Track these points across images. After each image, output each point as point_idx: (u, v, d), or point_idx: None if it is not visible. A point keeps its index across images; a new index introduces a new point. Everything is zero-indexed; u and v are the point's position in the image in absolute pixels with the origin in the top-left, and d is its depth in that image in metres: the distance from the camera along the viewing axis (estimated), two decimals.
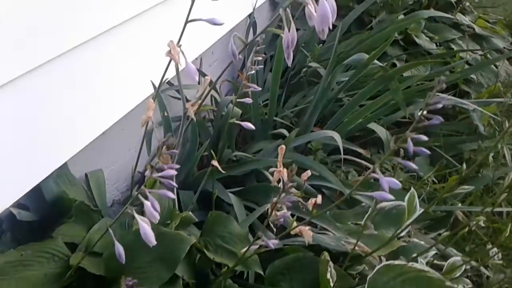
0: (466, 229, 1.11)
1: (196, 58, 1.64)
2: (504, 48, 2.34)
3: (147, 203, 0.64)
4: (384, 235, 1.12)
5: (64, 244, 0.89)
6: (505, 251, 1.31)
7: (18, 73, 0.79)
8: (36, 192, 0.96)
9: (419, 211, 1.09)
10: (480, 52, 2.24)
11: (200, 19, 0.76)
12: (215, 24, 0.76)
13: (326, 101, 1.63)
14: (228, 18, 1.79)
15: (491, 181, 1.29)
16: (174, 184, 0.65)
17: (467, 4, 2.50)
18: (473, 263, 1.13)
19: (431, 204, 0.98)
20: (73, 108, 1.01)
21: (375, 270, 0.95)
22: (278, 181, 1.11)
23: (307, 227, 0.96)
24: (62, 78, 0.95)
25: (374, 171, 0.73)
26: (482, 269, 1.22)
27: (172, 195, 0.63)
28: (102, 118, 1.11)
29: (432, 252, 1.12)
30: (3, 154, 0.84)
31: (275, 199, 0.95)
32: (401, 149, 0.76)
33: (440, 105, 0.66)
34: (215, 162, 0.90)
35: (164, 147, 0.61)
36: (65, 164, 1.04)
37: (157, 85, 1.08)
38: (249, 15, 1.99)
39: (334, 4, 0.60)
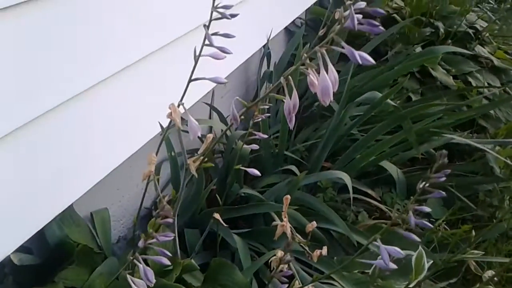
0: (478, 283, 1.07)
1: (209, 92, 1.64)
2: None
3: (140, 267, 0.63)
4: (393, 287, 1.09)
5: None
6: None
7: (20, 122, 0.80)
8: (40, 235, 0.96)
9: (428, 263, 1.06)
10: (498, 84, 2.20)
11: (204, 78, 0.76)
12: (218, 83, 0.76)
13: (337, 137, 1.61)
14: (242, 50, 1.80)
15: (503, 230, 1.25)
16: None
17: (486, 34, 2.46)
18: None
19: (443, 260, 0.95)
20: (79, 150, 1.01)
21: None
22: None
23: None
24: (68, 122, 0.95)
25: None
26: None
27: (167, 262, 0.62)
28: (109, 158, 1.12)
29: None
30: (4, 200, 0.84)
31: (280, 252, 0.94)
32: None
33: (443, 179, 0.64)
34: (217, 216, 0.89)
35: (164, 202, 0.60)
36: (71, 205, 1.05)
37: (165, 125, 1.09)
38: (264, 46, 2.00)
39: (336, 74, 0.59)
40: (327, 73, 0.58)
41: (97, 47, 0.93)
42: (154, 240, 0.72)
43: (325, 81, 0.56)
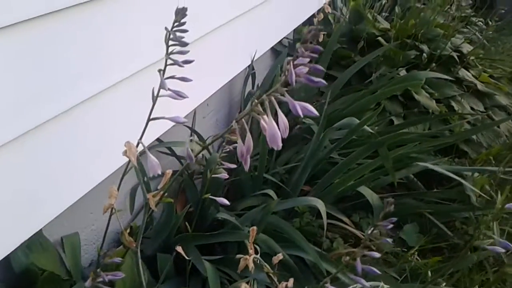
0: None
1: (190, 112, 1.65)
2: (508, 105, 2.31)
3: None
4: None
5: None
6: None
7: None
8: (5, 262, 0.96)
9: None
10: (481, 109, 2.22)
11: (163, 117, 0.76)
12: (177, 122, 0.76)
13: (317, 161, 1.62)
14: (226, 71, 1.82)
15: (474, 262, 1.25)
16: None
17: (471, 58, 2.48)
18: None
19: None
20: (49, 175, 1.01)
21: None
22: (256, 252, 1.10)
23: None
24: (38, 145, 0.96)
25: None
26: None
27: None
28: (81, 183, 1.12)
29: None
30: None
31: (244, 284, 0.94)
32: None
33: (390, 226, 0.65)
34: (179, 249, 0.89)
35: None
36: (40, 229, 1.04)
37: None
38: (249, 66, 2.01)
39: (286, 121, 0.59)
40: (277, 119, 0.59)
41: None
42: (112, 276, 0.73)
43: (272, 130, 0.57)
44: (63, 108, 0.97)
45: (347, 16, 2.52)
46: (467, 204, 1.52)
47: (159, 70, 0.72)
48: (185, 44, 0.71)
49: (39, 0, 0.81)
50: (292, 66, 0.51)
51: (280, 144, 0.59)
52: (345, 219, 1.43)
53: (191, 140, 1.68)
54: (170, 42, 0.72)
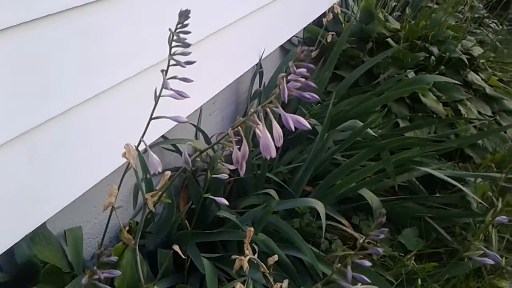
0: None
1: (196, 110, 1.66)
2: None
3: None
4: None
5: None
6: None
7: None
8: (9, 253, 0.99)
9: None
10: (489, 113, 2.20)
11: (165, 117, 0.78)
12: (178, 121, 0.78)
13: (320, 162, 1.63)
14: (233, 69, 1.83)
15: (470, 268, 1.25)
16: None
17: (482, 61, 2.46)
18: None
19: None
20: (54, 169, 1.04)
21: None
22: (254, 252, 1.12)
23: None
24: (45, 139, 0.98)
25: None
26: None
27: None
28: (85, 177, 1.14)
29: None
30: None
31: (239, 285, 0.96)
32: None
33: (381, 236, 0.66)
34: (176, 248, 0.91)
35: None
36: (44, 222, 1.07)
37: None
38: (257, 64, 2.02)
39: (280, 131, 0.60)
40: (272, 130, 0.60)
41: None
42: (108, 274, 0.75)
43: (266, 139, 0.58)
44: (68, 105, 0.99)
45: (358, 15, 2.51)
46: (468, 210, 1.53)
47: (162, 70, 0.74)
48: (187, 45, 0.73)
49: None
50: (284, 82, 0.53)
51: (274, 154, 0.60)
52: (344, 221, 1.44)
53: (196, 138, 1.70)
54: (173, 44, 0.73)
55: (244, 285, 1.02)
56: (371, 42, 2.24)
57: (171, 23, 0.81)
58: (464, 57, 2.31)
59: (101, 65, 1.03)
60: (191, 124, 1.61)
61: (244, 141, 0.67)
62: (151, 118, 0.82)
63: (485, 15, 3.22)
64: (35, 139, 0.95)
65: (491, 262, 0.80)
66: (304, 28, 2.49)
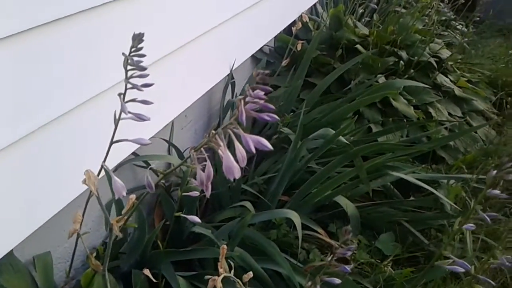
0: None
1: (167, 124, 1.64)
2: (485, 110, 2.34)
3: None
4: None
5: None
6: None
7: None
8: None
9: None
10: (459, 114, 2.25)
11: (126, 140, 0.76)
12: (141, 144, 0.76)
13: (294, 171, 1.63)
14: (204, 81, 1.82)
15: (446, 272, 1.27)
16: None
17: (450, 63, 2.51)
18: None
19: None
20: (18, 195, 1.00)
21: None
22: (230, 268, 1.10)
23: None
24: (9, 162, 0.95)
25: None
26: None
27: None
28: (51, 202, 1.11)
29: None
30: None
31: None
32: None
33: (349, 253, 0.66)
34: (146, 272, 0.89)
35: None
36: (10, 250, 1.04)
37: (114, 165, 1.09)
38: (228, 75, 2.01)
39: (243, 152, 0.59)
40: (234, 151, 0.59)
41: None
42: None
43: (227, 162, 0.57)
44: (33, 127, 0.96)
45: (327, 23, 2.54)
46: (442, 212, 1.54)
47: (119, 94, 0.72)
48: (143, 69, 0.71)
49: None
50: (242, 104, 0.52)
51: (237, 175, 0.59)
52: (320, 230, 1.44)
53: (169, 153, 1.68)
54: (129, 67, 0.72)
55: None
56: (341, 48, 2.26)
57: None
58: (432, 60, 2.35)
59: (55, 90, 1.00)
60: (163, 139, 1.59)
61: (208, 162, 0.66)
62: (111, 143, 0.80)
63: (452, 17, 3.30)
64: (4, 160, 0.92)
65: (461, 269, 0.81)
66: (275, 37, 2.50)
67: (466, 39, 2.87)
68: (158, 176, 1.60)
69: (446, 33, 3.20)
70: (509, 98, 2.62)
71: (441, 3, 3.15)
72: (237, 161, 0.59)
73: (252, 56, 2.30)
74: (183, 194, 1.03)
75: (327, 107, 1.86)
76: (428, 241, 1.55)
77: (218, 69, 1.92)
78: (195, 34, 1.57)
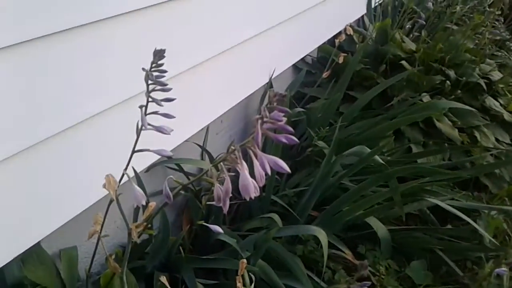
0: None
1: (202, 129, 1.65)
2: None
3: None
4: None
5: None
6: None
7: None
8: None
9: None
10: (507, 140, 2.13)
11: (148, 150, 0.76)
12: (162, 155, 0.76)
13: (326, 186, 1.59)
14: (243, 87, 1.81)
15: None
16: None
17: (501, 86, 2.39)
18: None
19: None
20: (52, 188, 1.03)
21: None
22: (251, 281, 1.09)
23: None
24: (44, 157, 0.97)
25: None
26: None
27: None
28: (84, 196, 1.13)
29: None
30: None
31: None
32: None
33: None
34: (163, 279, 0.88)
35: None
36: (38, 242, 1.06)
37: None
38: (267, 83, 2.00)
39: (261, 171, 0.57)
40: (253, 169, 0.57)
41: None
42: None
43: (244, 181, 0.55)
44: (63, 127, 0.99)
45: (374, 36, 2.48)
46: (481, 244, 1.46)
47: (140, 107, 0.72)
48: (164, 85, 0.71)
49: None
50: (259, 125, 0.50)
51: (253, 194, 0.58)
52: (347, 251, 1.39)
53: (202, 158, 1.68)
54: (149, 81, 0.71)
55: None
56: (385, 63, 2.19)
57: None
58: (482, 82, 2.24)
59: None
60: (196, 144, 1.60)
61: (227, 177, 0.64)
62: (133, 152, 0.80)
63: (507, 37, 3.14)
64: (33, 156, 0.94)
65: None
66: (318, 47, 2.47)
67: None
68: (189, 179, 1.61)
69: (499, 53, 3.05)
70: None
71: (496, 22, 3.01)
72: (255, 179, 0.57)
73: (293, 65, 2.27)
74: (207, 203, 1.02)
75: (366, 123, 1.80)
76: (462, 273, 1.47)
77: (257, 77, 1.91)
78: (235, 42, 1.57)
